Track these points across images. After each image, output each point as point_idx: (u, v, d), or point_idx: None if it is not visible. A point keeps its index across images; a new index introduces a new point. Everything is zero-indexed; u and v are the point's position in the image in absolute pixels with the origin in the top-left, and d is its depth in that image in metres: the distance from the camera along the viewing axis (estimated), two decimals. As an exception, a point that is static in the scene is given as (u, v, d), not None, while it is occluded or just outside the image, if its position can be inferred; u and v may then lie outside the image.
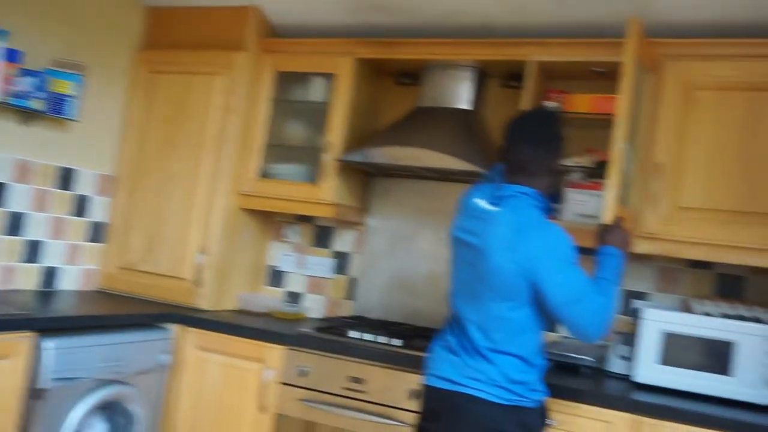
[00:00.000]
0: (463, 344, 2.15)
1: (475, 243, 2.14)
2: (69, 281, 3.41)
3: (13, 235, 3.12)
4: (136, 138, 3.52)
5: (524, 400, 2.09)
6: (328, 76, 3.28)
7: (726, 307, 2.62)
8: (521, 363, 2.10)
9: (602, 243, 2.25)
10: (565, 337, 3.05)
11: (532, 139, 2.15)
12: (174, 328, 3.09)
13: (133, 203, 3.50)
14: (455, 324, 2.22)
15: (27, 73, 2.92)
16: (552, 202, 2.31)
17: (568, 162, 2.82)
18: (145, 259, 3.43)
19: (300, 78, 3.38)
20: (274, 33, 3.49)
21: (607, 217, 2.31)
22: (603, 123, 2.71)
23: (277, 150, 3.41)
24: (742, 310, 2.60)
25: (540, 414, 2.17)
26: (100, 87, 3.41)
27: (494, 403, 2.06)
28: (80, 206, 3.41)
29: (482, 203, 2.17)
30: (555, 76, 3.03)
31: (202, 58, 3.39)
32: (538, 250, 2.03)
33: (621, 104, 2.35)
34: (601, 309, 2.07)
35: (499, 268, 2.06)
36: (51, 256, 3.30)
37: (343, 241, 3.56)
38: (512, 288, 2.06)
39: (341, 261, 3.55)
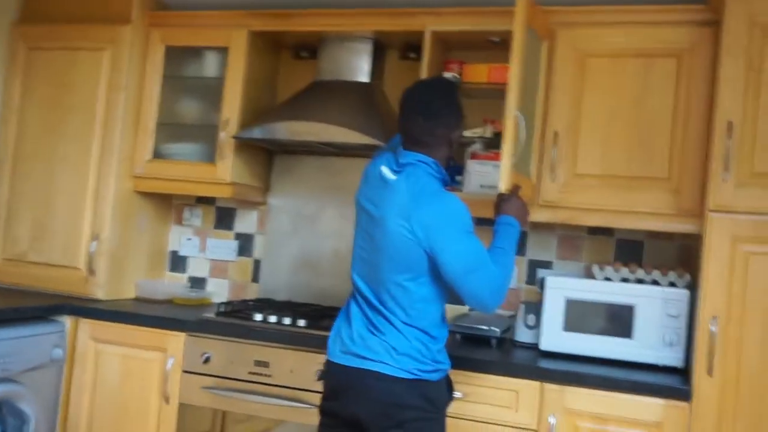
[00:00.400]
0: (363, 318, 2.11)
1: (374, 212, 2.09)
2: (-51, 276, 3.17)
3: None
4: (16, 120, 3.29)
5: (427, 373, 2.06)
6: (222, 51, 3.15)
7: (626, 272, 2.67)
8: (422, 335, 2.06)
9: (499, 213, 2.23)
10: (471, 310, 3.05)
11: (425, 110, 2.10)
12: (67, 321, 2.92)
13: (16, 190, 3.27)
14: (356, 296, 2.17)
15: None
16: (452, 173, 2.28)
17: (468, 133, 2.80)
18: (34, 248, 3.23)
19: (192, 53, 3.24)
20: (163, 5, 3.31)
21: (503, 186, 2.29)
22: (501, 93, 2.67)
23: (171, 129, 3.26)
24: (641, 274, 2.65)
25: (444, 386, 2.14)
26: (-27, 65, 3.17)
27: (396, 377, 2.02)
28: (-43, 195, 3.18)
29: (385, 171, 2.12)
30: (453, 46, 3.01)
31: (86, 32, 3.19)
32: (434, 218, 2.00)
33: (512, 72, 2.33)
34: (497, 278, 2.05)
35: (395, 237, 2.02)
36: (-74, 250, 3.07)
37: (246, 223, 3.46)
38: (409, 258, 2.02)
39: (244, 243, 3.45)
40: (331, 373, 2.15)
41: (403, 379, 2.02)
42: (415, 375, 2.03)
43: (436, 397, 2.08)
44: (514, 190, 2.30)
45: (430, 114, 2.09)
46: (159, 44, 3.22)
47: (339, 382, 2.10)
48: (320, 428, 2.19)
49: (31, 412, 2.72)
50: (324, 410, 2.17)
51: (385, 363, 2.03)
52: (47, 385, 2.81)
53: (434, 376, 2.08)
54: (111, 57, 3.16)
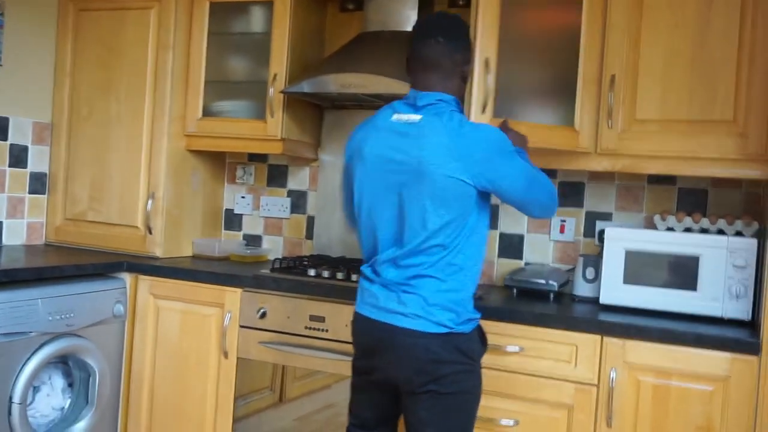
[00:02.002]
0: (389, 273, 2.04)
1: (405, 159, 1.99)
2: (13, 236, 3.26)
3: (-54, 192, 2.97)
4: (69, 82, 3.34)
5: (459, 325, 2.01)
6: (267, 5, 3.10)
7: (689, 222, 2.57)
8: (455, 285, 2.01)
9: None
10: (528, 264, 3.00)
11: (445, 33, 2.05)
12: (127, 278, 2.98)
13: (73, 151, 3.34)
14: (377, 254, 2.09)
15: (-62, 15, 2.71)
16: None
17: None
18: (92, 208, 3.30)
19: (237, 8, 3.20)
20: (209, -40, 3.28)
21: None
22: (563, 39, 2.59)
23: (220, 86, 3.24)
24: (705, 224, 2.55)
25: (477, 337, 2.10)
26: (25, 28, 3.21)
27: (428, 333, 1.97)
28: (18, 157, 3.25)
29: (401, 117, 2.03)
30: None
31: (131, -9, 3.19)
32: (485, 151, 1.97)
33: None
34: (548, 183, 2.13)
35: (437, 179, 1.95)
36: (-9, 212, 3.16)
37: (298, 180, 3.45)
38: (455, 198, 1.96)
39: (297, 200, 3.44)
40: (359, 328, 2.11)
41: (436, 334, 1.98)
42: (449, 328, 1.99)
43: (470, 348, 2.04)
44: (503, 125, 2.26)
45: (451, 36, 2.05)
46: (204, 1, 3.20)
47: (370, 340, 2.07)
48: (353, 388, 2.18)
49: (96, 365, 2.81)
50: (357, 369, 2.16)
51: (418, 316, 1.98)
52: (111, 339, 2.89)
53: (467, 327, 2.04)
54: (157, 16, 3.15)
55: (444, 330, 1.98)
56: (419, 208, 1.98)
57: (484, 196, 2.03)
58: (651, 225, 2.70)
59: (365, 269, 2.13)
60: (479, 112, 2.59)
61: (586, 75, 2.59)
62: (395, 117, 2.05)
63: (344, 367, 2.60)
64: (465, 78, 2.11)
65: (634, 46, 2.54)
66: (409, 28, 2.94)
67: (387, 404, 2.14)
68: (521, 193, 2.04)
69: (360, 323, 2.11)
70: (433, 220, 1.97)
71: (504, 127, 2.24)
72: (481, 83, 2.59)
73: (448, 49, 2.04)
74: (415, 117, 2.01)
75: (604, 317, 2.37)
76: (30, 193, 3.32)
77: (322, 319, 2.65)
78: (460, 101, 2.10)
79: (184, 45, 3.20)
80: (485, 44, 2.60)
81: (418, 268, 2.00)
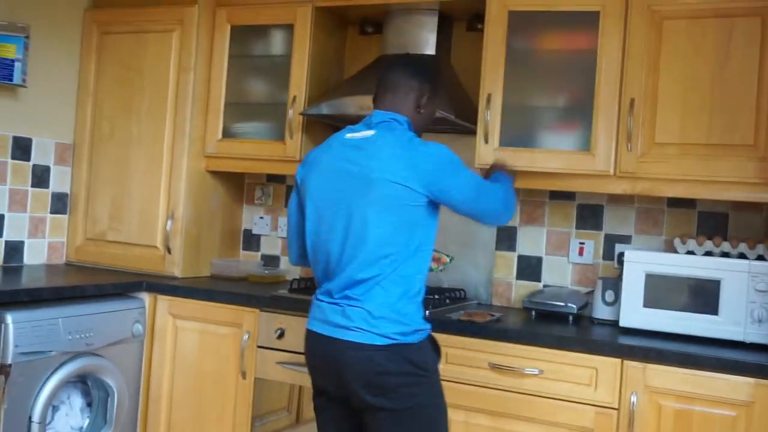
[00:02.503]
0: (337, 287, 2.04)
1: (356, 170, 2.03)
2: (35, 255, 3.30)
3: (-30, 211, 3.01)
4: (92, 103, 3.39)
5: (406, 336, 2.00)
6: (287, 28, 3.14)
7: (710, 245, 2.55)
8: (399, 296, 2.01)
9: (492, 172, 2.43)
10: (546, 286, 2.99)
11: (407, 62, 2.26)
12: (146, 297, 3.00)
13: (94, 171, 3.37)
14: (327, 269, 2.10)
15: (-35, 37, 2.77)
16: None
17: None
18: (112, 228, 3.33)
19: (258, 31, 3.24)
20: (228, -15, 3.33)
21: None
22: (574, 60, 2.61)
23: (240, 108, 3.28)
24: (726, 248, 2.53)
25: (429, 347, 2.09)
26: (49, 50, 3.26)
27: (374, 345, 1.96)
28: (40, 177, 3.29)
29: (355, 135, 2.11)
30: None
31: (154, 15, 3.24)
32: (434, 163, 2.03)
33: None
34: (502, 192, 2.23)
35: (390, 186, 1.98)
36: (13, 230, 3.19)
37: (316, 200, 3.46)
38: (401, 205, 2.00)
39: (315, 220, 3.45)
40: (308, 345, 2.11)
41: (381, 345, 1.97)
42: (394, 339, 1.98)
43: (421, 358, 2.02)
44: (499, 162, 2.50)
45: (413, 65, 2.22)
46: (225, 24, 3.24)
47: (319, 356, 2.07)
48: (315, 410, 2.18)
49: (114, 384, 2.82)
50: (313, 388, 2.16)
51: (362, 330, 1.98)
52: (129, 359, 2.90)
53: (415, 338, 2.03)
54: (179, 38, 3.20)
55: (389, 342, 1.98)
56: (366, 218, 2.00)
57: (432, 209, 2.08)
58: (671, 248, 2.69)
59: (319, 285, 2.15)
60: (482, 142, 2.73)
61: (603, 99, 2.60)
62: (349, 135, 2.12)
63: (362, 388, 2.59)
64: (419, 106, 2.16)
65: (653, 71, 2.54)
66: (429, 51, 2.97)
67: (350, 424, 2.11)
68: (471, 204, 2.12)
69: (309, 340, 2.12)
70: (379, 230, 1.99)
71: (495, 169, 2.44)
72: (482, 118, 2.73)
73: (407, 74, 2.16)
74: (369, 132, 2.09)
75: (624, 340, 2.36)
76: (51, 213, 3.35)
77: (340, 341, 2.65)
78: (414, 127, 2.16)
79: (205, 67, 3.24)
80: (489, 79, 2.73)
81: (365, 281, 2.00)
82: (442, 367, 2.48)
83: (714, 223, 2.78)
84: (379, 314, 1.98)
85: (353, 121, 3.07)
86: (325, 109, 2.91)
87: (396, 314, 2.00)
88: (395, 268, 2.01)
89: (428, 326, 2.10)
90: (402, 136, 2.07)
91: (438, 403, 2.06)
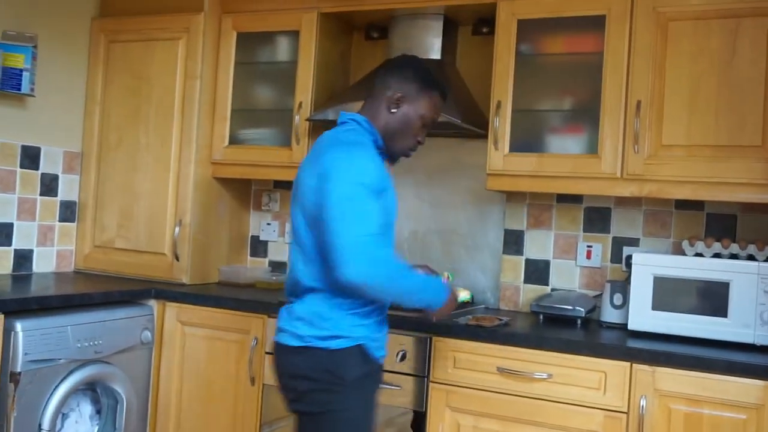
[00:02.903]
0: (288, 291, 2.06)
1: (298, 174, 2.03)
2: (44, 263, 3.31)
3: (-21, 220, 3.03)
4: (99, 111, 3.41)
5: (321, 340, 1.91)
6: (293, 34, 3.15)
7: (718, 247, 2.54)
8: (321, 297, 1.94)
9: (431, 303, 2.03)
10: (554, 290, 2.98)
11: (388, 64, 2.14)
12: (155, 304, 3.01)
13: (102, 179, 3.39)
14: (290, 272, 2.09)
15: (-27, 47, 2.79)
16: (395, 154, 2.12)
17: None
18: (121, 235, 3.34)
19: (263, 38, 3.25)
20: (234, -8, 3.35)
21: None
22: (579, 63, 2.60)
23: (246, 115, 3.29)
24: (734, 249, 2.52)
25: (355, 357, 1.93)
26: (57, 59, 3.28)
27: (289, 345, 1.94)
28: (48, 185, 3.30)
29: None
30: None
31: (160, 23, 3.26)
32: (330, 165, 1.87)
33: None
34: (375, 249, 1.81)
35: (306, 189, 1.95)
36: (22, 239, 3.21)
37: (323, 205, 3.46)
38: (313, 209, 1.92)
39: (322, 225, 3.46)
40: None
41: (296, 347, 1.93)
42: (307, 342, 1.92)
43: (338, 367, 1.90)
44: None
45: (394, 66, 2.10)
46: (231, 31, 3.26)
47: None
48: None
49: (123, 392, 2.82)
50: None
51: (284, 330, 1.97)
52: (138, 366, 2.91)
53: (334, 344, 1.92)
54: (185, 46, 3.21)
55: (302, 344, 1.93)
56: (298, 226, 1.99)
57: None
58: (679, 251, 2.68)
59: None
60: (493, 148, 2.70)
61: (609, 101, 2.60)
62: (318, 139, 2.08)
63: (370, 394, 2.59)
64: (390, 104, 2.03)
65: (659, 72, 2.54)
66: (434, 56, 2.98)
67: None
68: (328, 221, 1.83)
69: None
70: (307, 240, 1.96)
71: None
72: (492, 124, 2.71)
73: (385, 73, 2.08)
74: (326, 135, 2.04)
75: (633, 344, 2.34)
76: (60, 221, 3.37)
77: (347, 346, 2.65)
78: (381, 127, 2.03)
79: (212, 74, 3.25)
80: (499, 86, 2.73)
81: (303, 286, 1.98)
82: (450, 372, 2.49)
83: (722, 225, 2.76)
84: (298, 315, 1.96)
85: (359, 126, 3.10)
86: (331, 114, 2.92)
87: (315, 317, 1.93)
88: (322, 271, 1.91)
89: (360, 336, 1.95)
90: (335, 138, 1.97)
91: (351, 418, 1.93)
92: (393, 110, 2.04)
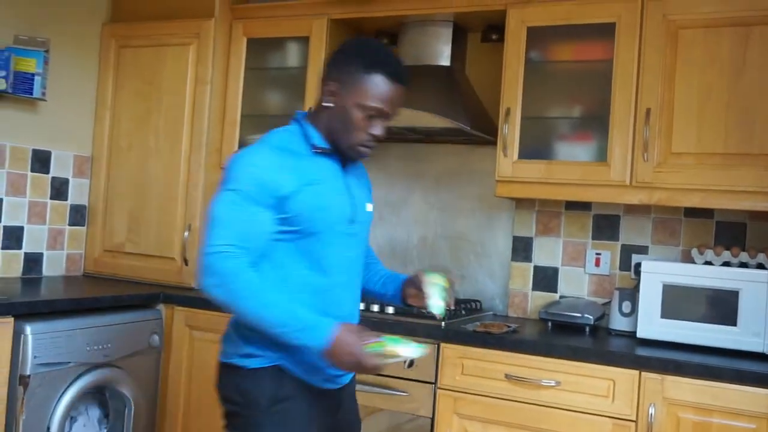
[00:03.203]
0: None
1: None
2: (53, 267, 3.33)
3: (-10, 223, 3.04)
4: (110, 115, 3.43)
5: (238, 357, 1.74)
6: (303, 40, 3.16)
7: (727, 255, 2.53)
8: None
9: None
10: (563, 297, 2.97)
11: (333, 52, 1.82)
12: (163, 309, 3.02)
13: (112, 183, 3.41)
14: None
15: (-14, 52, 2.82)
16: (345, 152, 1.81)
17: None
18: (130, 240, 3.35)
19: (274, 44, 3.27)
20: (244, -1, 3.37)
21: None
22: (588, 71, 2.60)
23: (256, 120, 3.29)
24: (744, 258, 2.51)
25: (267, 379, 1.72)
26: (68, 64, 3.30)
27: (219, 362, 1.79)
28: (59, 189, 3.32)
29: None
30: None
31: (171, 28, 3.28)
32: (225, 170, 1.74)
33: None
34: (221, 258, 1.62)
35: None
36: (32, 242, 3.22)
37: (332, 211, 3.47)
38: None
39: (331, 231, 3.46)
40: None
41: (219, 362, 1.80)
42: (226, 358, 1.77)
43: (245, 387, 1.72)
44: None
45: (337, 50, 1.82)
46: (241, 37, 3.27)
47: None
48: None
49: (131, 396, 2.83)
50: None
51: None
52: (146, 370, 2.92)
53: (246, 362, 1.73)
54: (196, 51, 3.23)
55: (225, 360, 1.79)
56: None
57: (290, 224, 1.70)
58: (688, 259, 2.67)
59: None
60: (501, 155, 2.72)
61: (619, 108, 2.59)
62: None
63: (377, 399, 2.59)
64: (326, 97, 1.77)
65: (669, 81, 2.54)
66: (443, 62, 2.98)
67: None
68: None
69: None
70: None
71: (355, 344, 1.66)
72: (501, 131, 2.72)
73: (326, 63, 1.83)
74: None
75: (642, 352, 2.34)
76: (70, 225, 3.39)
77: (355, 352, 2.65)
78: (323, 123, 1.78)
79: (222, 79, 3.27)
80: (508, 93, 2.74)
81: None
82: (458, 379, 2.49)
83: (732, 233, 2.76)
84: (227, 329, 1.82)
85: (368, 132, 3.11)
86: (340, 120, 2.92)
87: (234, 331, 1.77)
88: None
89: (277, 355, 1.72)
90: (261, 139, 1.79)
91: None
92: (328, 103, 1.76)
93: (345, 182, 1.83)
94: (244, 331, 1.74)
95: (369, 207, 1.92)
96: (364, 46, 1.81)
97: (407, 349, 1.64)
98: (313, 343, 1.60)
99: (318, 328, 1.61)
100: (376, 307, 2.72)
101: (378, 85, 1.73)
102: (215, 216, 1.66)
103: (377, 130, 1.76)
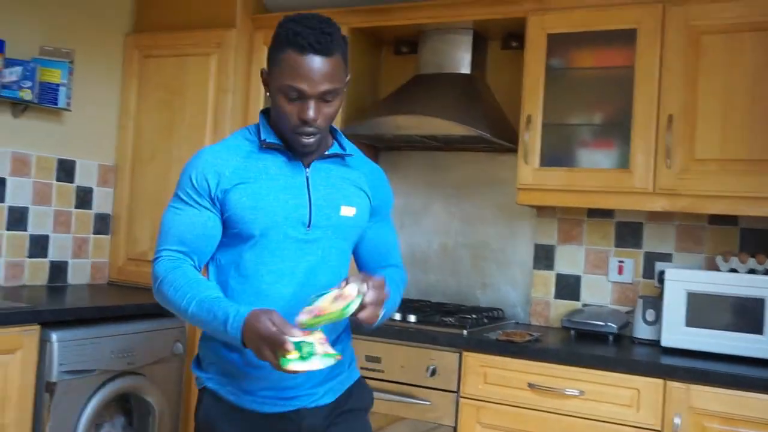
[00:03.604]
0: None
1: None
2: (78, 275, 3.36)
3: (17, 230, 3.08)
4: (133, 125, 3.46)
5: (201, 375, 1.69)
6: (324, 49, 3.17)
7: (753, 263, 2.51)
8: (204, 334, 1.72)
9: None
10: (586, 305, 2.95)
11: None
12: (185, 317, 3.04)
13: (135, 192, 3.44)
14: None
15: (12, 62, 2.86)
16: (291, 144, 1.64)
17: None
18: (153, 248, 3.35)
19: (296, 53, 3.28)
20: (265, 9, 3.39)
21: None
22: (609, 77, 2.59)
23: (278, 129, 3.31)
24: (769, 265, 2.49)
25: (204, 401, 1.68)
26: (92, 74, 3.34)
27: None
28: (83, 198, 3.36)
29: None
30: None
31: (194, 38, 3.30)
32: None
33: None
34: (156, 261, 1.64)
35: None
36: (58, 251, 3.26)
37: (353, 218, 3.48)
38: None
39: (352, 238, 3.47)
40: None
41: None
42: (196, 377, 1.73)
43: (197, 410, 1.70)
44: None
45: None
46: (262, 46, 3.28)
47: None
48: None
49: (155, 403, 2.85)
50: None
51: None
52: (170, 377, 2.94)
53: (198, 382, 1.72)
54: (218, 61, 3.25)
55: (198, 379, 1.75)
56: None
57: (228, 226, 1.62)
58: (713, 266, 2.65)
59: None
60: (523, 162, 2.72)
61: (641, 115, 2.58)
62: None
63: (400, 408, 2.59)
64: (265, 88, 1.66)
65: (691, 86, 2.52)
66: (464, 70, 2.99)
67: None
68: None
69: None
70: None
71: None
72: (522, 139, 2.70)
73: None
74: None
75: (667, 360, 2.32)
76: (94, 233, 3.42)
77: (378, 360, 2.65)
78: (273, 119, 1.68)
79: (244, 88, 3.29)
80: (529, 101, 2.73)
81: None
82: (480, 387, 2.48)
83: (757, 240, 2.72)
84: None
85: (388, 141, 3.12)
86: (361, 128, 2.93)
87: (198, 349, 1.73)
88: None
89: (209, 375, 1.68)
90: None
91: None
92: (268, 94, 1.63)
93: (305, 181, 1.65)
94: (200, 354, 1.70)
95: (346, 210, 1.68)
96: (279, 26, 1.59)
97: (315, 362, 1.40)
98: (232, 334, 1.45)
99: (231, 318, 1.46)
100: (398, 316, 2.71)
101: (289, 63, 1.53)
102: (161, 224, 1.66)
103: (306, 113, 1.55)
